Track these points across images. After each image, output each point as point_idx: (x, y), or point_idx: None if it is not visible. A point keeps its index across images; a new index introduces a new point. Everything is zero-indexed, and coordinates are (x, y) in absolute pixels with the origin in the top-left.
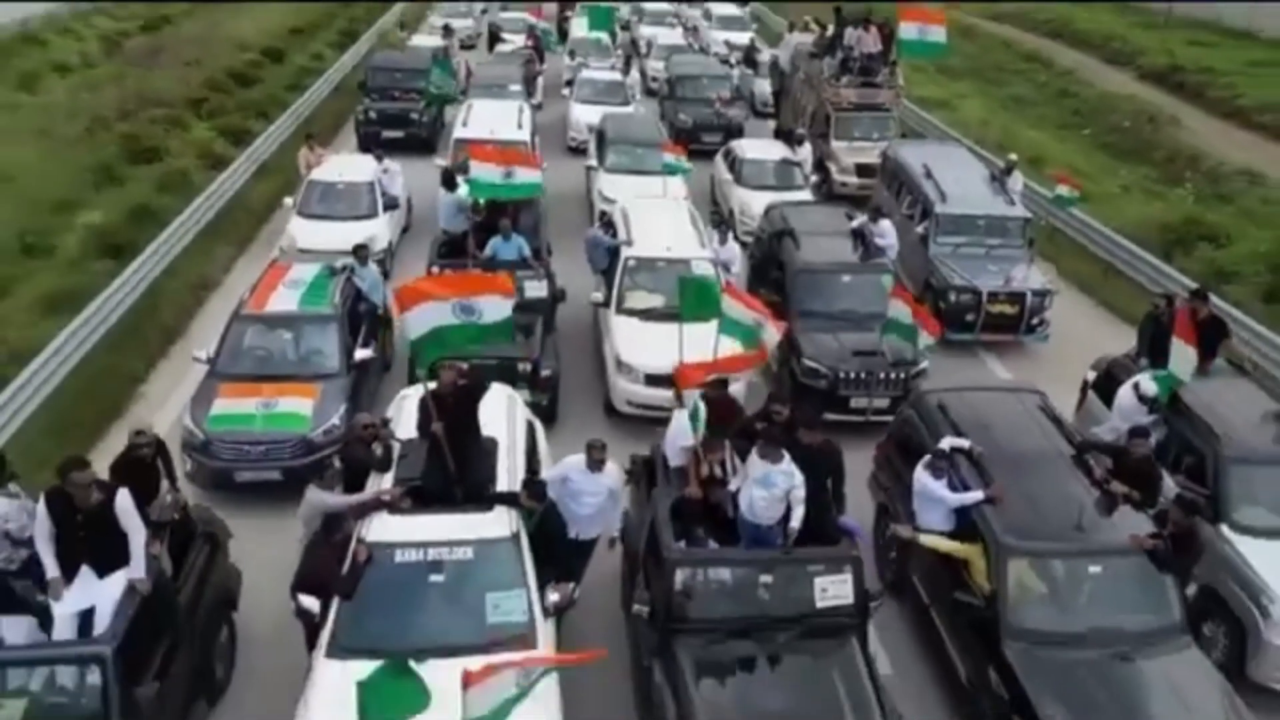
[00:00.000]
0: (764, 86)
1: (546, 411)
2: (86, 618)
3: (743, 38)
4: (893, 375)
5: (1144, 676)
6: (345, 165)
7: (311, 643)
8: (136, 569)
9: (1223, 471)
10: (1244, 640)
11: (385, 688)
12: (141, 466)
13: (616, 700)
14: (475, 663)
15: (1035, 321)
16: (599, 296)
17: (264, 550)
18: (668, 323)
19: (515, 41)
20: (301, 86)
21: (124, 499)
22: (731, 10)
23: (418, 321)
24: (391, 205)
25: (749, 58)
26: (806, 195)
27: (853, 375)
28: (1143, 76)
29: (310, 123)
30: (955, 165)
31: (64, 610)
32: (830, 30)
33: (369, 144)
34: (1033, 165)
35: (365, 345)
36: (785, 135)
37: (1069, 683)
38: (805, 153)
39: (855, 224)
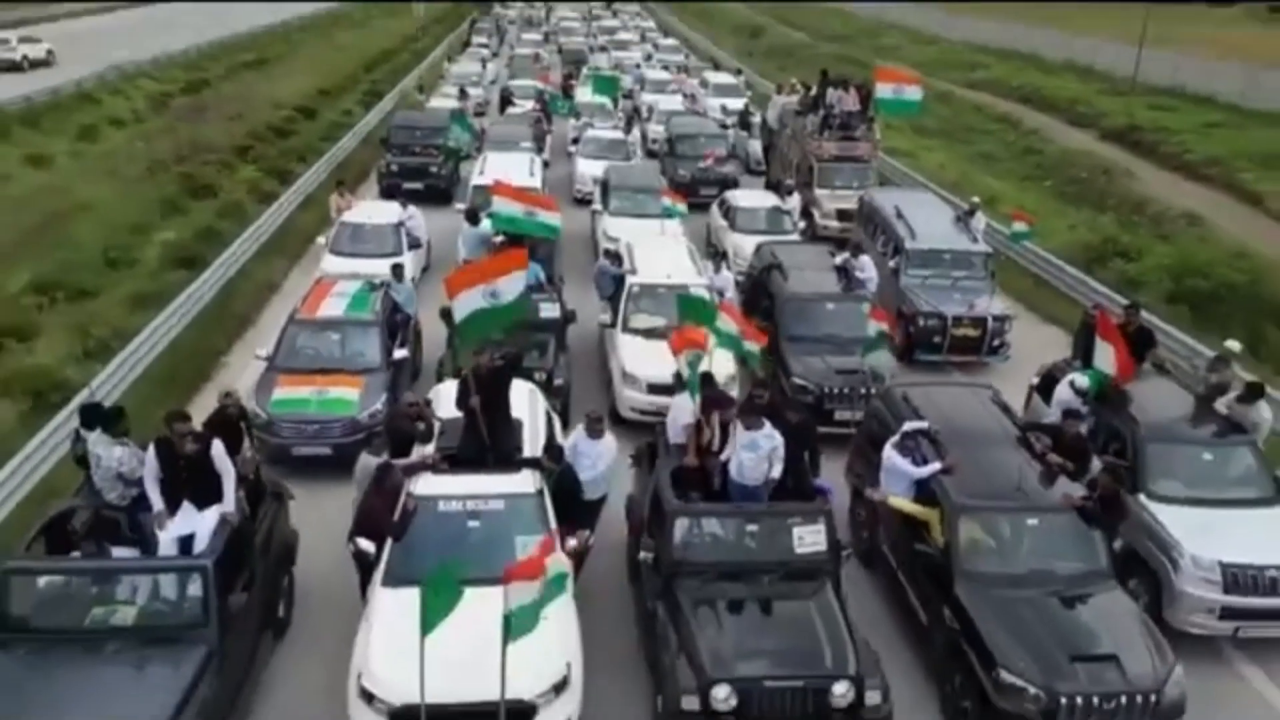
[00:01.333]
0: (756, 147)
1: (560, 416)
2: (185, 544)
3: (737, 103)
4: (873, 390)
5: (1074, 609)
6: (372, 210)
7: (365, 582)
8: (228, 504)
9: (1140, 450)
10: (1160, 591)
11: (437, 584)
12: (229, 423)
13: (623, 641)
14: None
15: (997, 343)
16: (606, 318)
17: (316, 515)
18: (664, 340)
19: (525, 105)
20: (333, 138)
21: (218, 447)
22: (727, 79)
23: (461, 307)
24: (414, 245)
25: (743, 121)
26: (794, 238)
27: (837, 391)
28: (1103, 136)
29: (342, 169)
30: (924, 208)
31: (167, 537)
32: (813, 91)
33: (391, 194)
34: (990, 205)
35: (401, 347)
36: (775, 186)
37: (1010, 615)
38: (794, 201)
39: (839, 260)
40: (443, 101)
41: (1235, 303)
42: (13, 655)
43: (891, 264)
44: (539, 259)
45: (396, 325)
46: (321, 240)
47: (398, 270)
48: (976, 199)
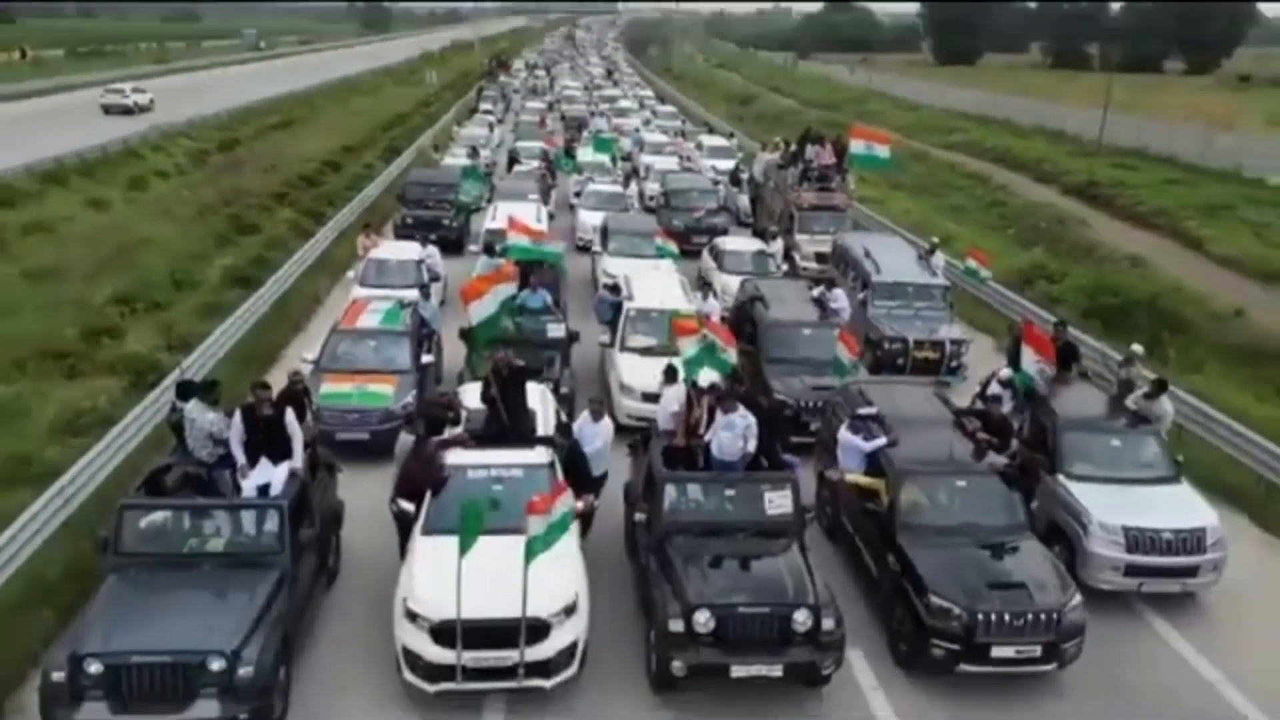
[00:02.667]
0: (745, 201)
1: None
2: (263, 491)
3: (729, 163)
4: None
5: (994, 552)
6: (396, 248)
7: (403, 538)
8: (296, 461)
9: (1059, 438)
10: (1074, 553)
11: (470, 514)
12: (296, 396)
13: (622, 601)
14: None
15: (955, 365)
16: (605, 339)
17: (356, 492)
18: (658, 357)
19: (531, 165)
20: (358, 186)
21: (290, 414)
22: (720, 142)
23: (476, 312)
24: (434, 279)
25: (734, 178)
26: (777, 277)
27: (811, 405)
28: (1065, 191)
29: (368, 212)
30: (889, 249)
31: (249, 485)
32: (793, 146)
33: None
34: (947, 244)
35: (427, 354)
36: (761, 234)
37: (941, 556)
38: (777, 246)
39: (815, 293)
40: (455, 160)
41: (1139, 315)
42: (126, 577)
43: (861, 296)
44: (547, 286)
45: (423, 337)
46: (351, 274)
47: (425, 291)
48: (936, 239)
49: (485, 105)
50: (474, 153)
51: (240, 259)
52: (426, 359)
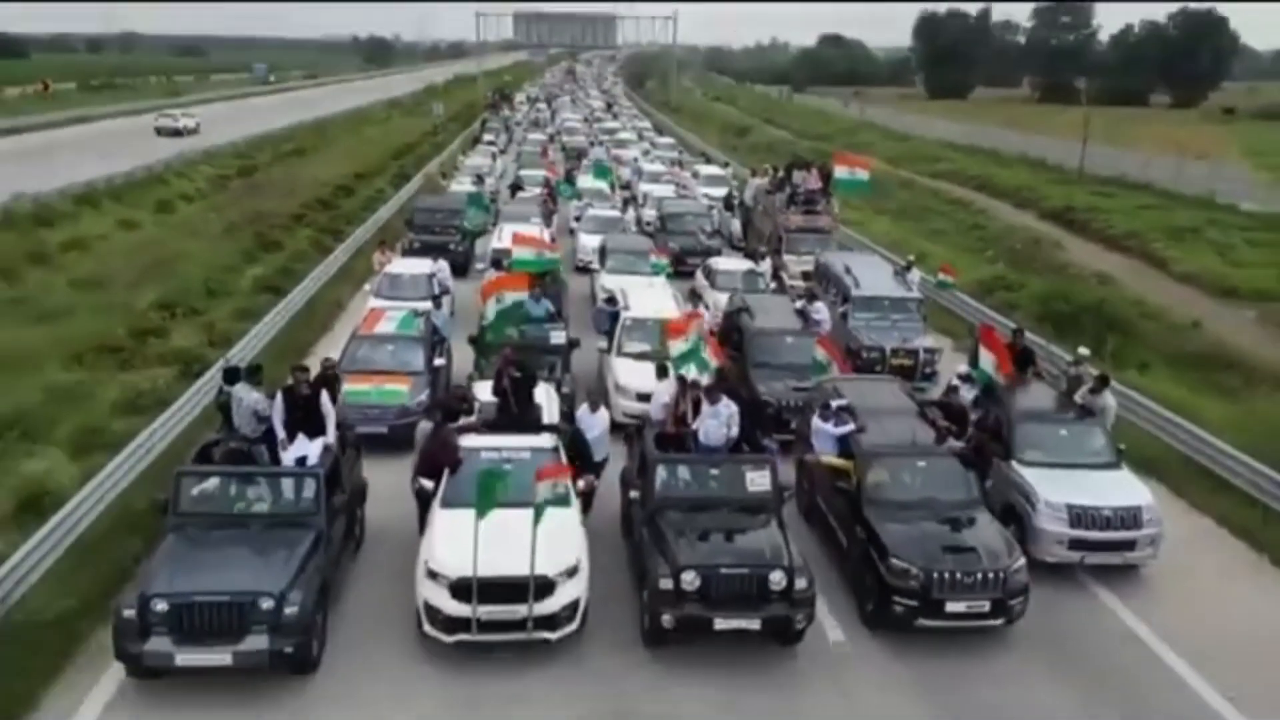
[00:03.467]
0: (737, 225)
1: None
2: (301, 463)
3: (722, 190)
4: None
5: (952, 525)
6: (409, 263)
7: (422, 513)
8: (330, 436)
9: (1013, 428)
10: (1025, 530)
11: (487, 480)
12: (329, 381)
13: (617, 574)
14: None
15: (928, 371)
16: (603, 345)
17: (375, 478)
18: (651, 361)
19: (534, 192)
20: (372, 208)
21: (324, 396)
22: (715, 171)
23: (493, 307)
24: (444, 291)
25: (728, 204)
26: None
27: (793, 404)
28: (1042, 216)
29: (382, 230)
30: (868, 265)
31: (288, 456)
32: (781, 172)
33: None
34: (922, 260)
35: (439, 358)
36: (751, 255)
37: (904, 528)
38: (765, 265)
39: (798, 305)
40: (461, 187)
41: (1086, 320)
42: (183, 534)
43: (842, 310)
44: (549, 296)
45: (435, 343)
46: (368, 287)
47: (437, 301)
48: (912, 256)
49: (488, 136)
50: (479, 180)
51: (268, 270)
52: (439, 362)
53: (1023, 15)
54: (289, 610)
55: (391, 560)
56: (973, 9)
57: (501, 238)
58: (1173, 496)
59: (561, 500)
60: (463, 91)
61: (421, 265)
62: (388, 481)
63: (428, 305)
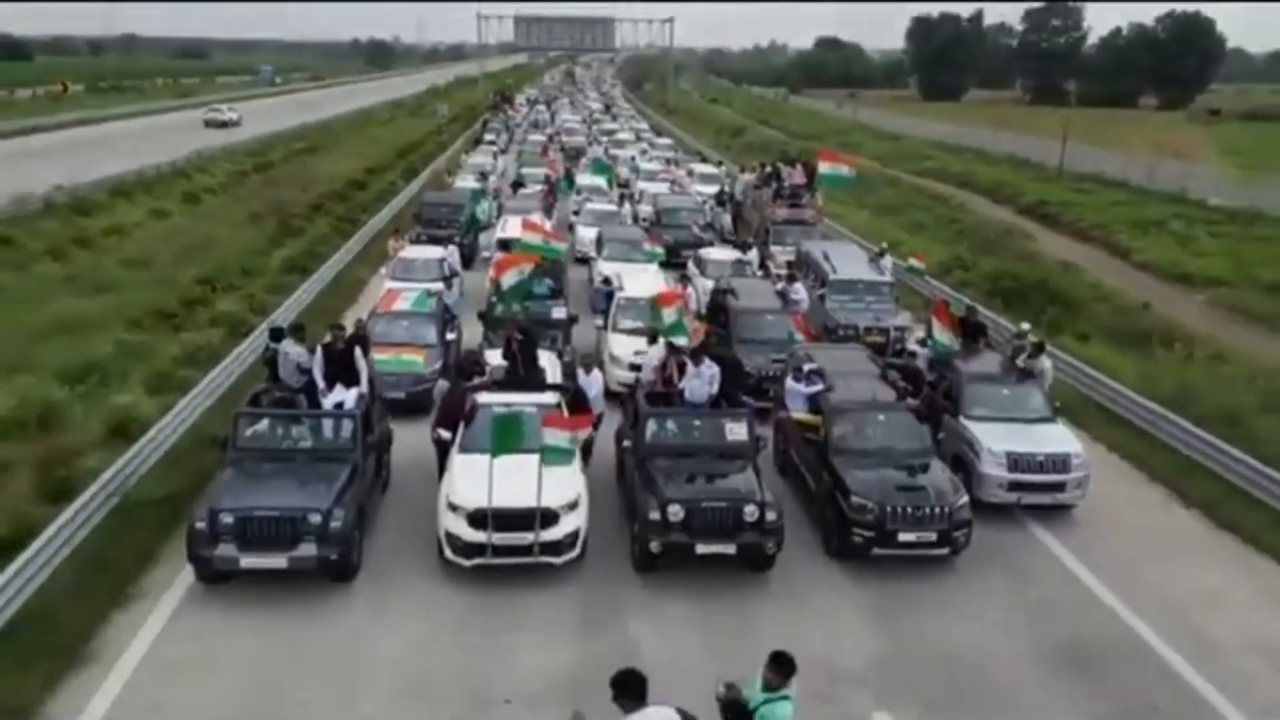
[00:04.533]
0: (728, 220)
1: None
2: (338, 408)
3: (714, 187)
4: None
5: (907, 470)
6: (421, 249)
7: (441, 460)
8: (363, 386)
9: (961, 388)
10: (971, 476)
11: (501, 425)
12: (362, 339)
13: (611, 515)
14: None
15: (899, 348)
16: (600, 322)
17: (396, 438)
18: (642, 336)
19: (535, 188)
20: (385, 199)
21: (357, 351)
22: (709, 169)
23: (506, 280)
24: (454, 274)
25: (719, 199)
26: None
27: (772, 374)
28: (1019, 211)
29: (395, 219)
30: (844, 253)
31: (328, 402)
32: (769, 169)
33: None
34: (894, 248)
35: (451, 333)
36: (741, 246)
37: (864, 473)
38: (753, 254)
39: (779, 287)
40: (464, 184)
41: (1031, 295)
42: (241, 466)
43: (820, 293)
44: (551, 276)
45: (447, 319)
46: (384, 271)
47: (448, 283)
48: (885, 244)
49: (490, 136)
50: (483, 177)
51: (293, 252)
52: (450, 336)
53: (1016, 18)
54: (334, 524)
55: (414, 502)
56: (965, 10)
57: (506, 228)
58: (1108, 451)
59: (565, 449)
60: (464, 93)
61: (432, 251)
62: (408, 440)
63: (439, 286)
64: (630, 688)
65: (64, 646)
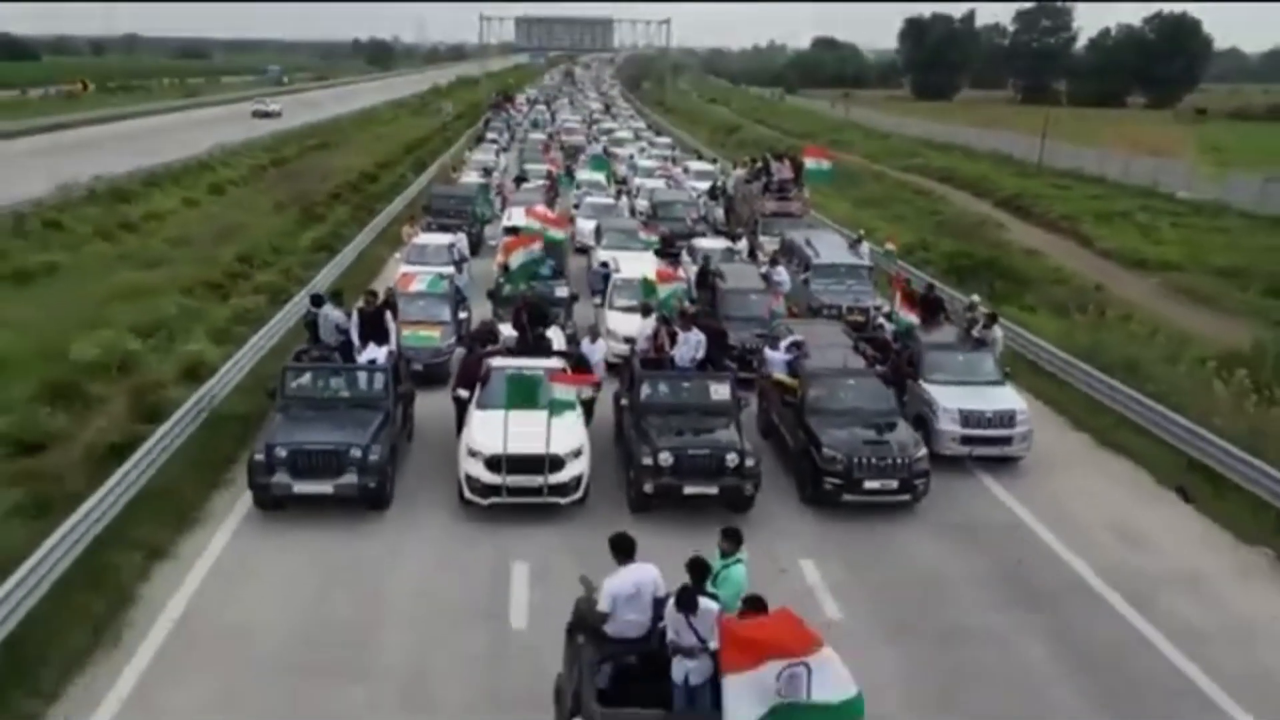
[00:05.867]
0: (720, 213)
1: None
2: (371, 363)
3: (708, 183)
4: None
5: (875, 428)
6: (433, 236)
7: (459, 417)
8: (393, 345)
9: (921, 355)
10: (929, 433)
11: (515, 383)
12: (391, 304)
13: (609, 465)
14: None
15: (876, 325)
16: (598, 300)
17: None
18: (636, 314)
19: (538, 182)
20: (398, 189)
21: (387, 315)
22: (704, 166)
23: (515, 259)
24: (463, 259)
25: (712, 193)
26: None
27: (755, 348)
28: (996, 204)
29: (409, 207)
30: (825, 240)
31: (362, 358)
32: (758, 164)
33: None
34: (870, 234)
35: (462, 311)
36: (731, 237)
37: (836, 430)
38: (743, 244)
39: (763, 270)
40: (472, 178)
41: (982, 272)
42: (289, 412)
43: (803, 276)
44: (554, 258)
45: (458, 300)
46: (398, 255)
47: (460, 265)
48: (862, 231)
49: (491, 135)
50: (487, 173)
51: (319, 234)
52: (461, 315)
53: (1009, 19)
54: (372, 457)
55: (434, 453)
56: (958, 11)
57: (512, 217)
58: (1053, 413)
59: (570, 404)
60: (465, 93)
61: (443, 238)
62: (426, 406)
63: (451, 270)
64: (623, 547)
65: (184, 506)
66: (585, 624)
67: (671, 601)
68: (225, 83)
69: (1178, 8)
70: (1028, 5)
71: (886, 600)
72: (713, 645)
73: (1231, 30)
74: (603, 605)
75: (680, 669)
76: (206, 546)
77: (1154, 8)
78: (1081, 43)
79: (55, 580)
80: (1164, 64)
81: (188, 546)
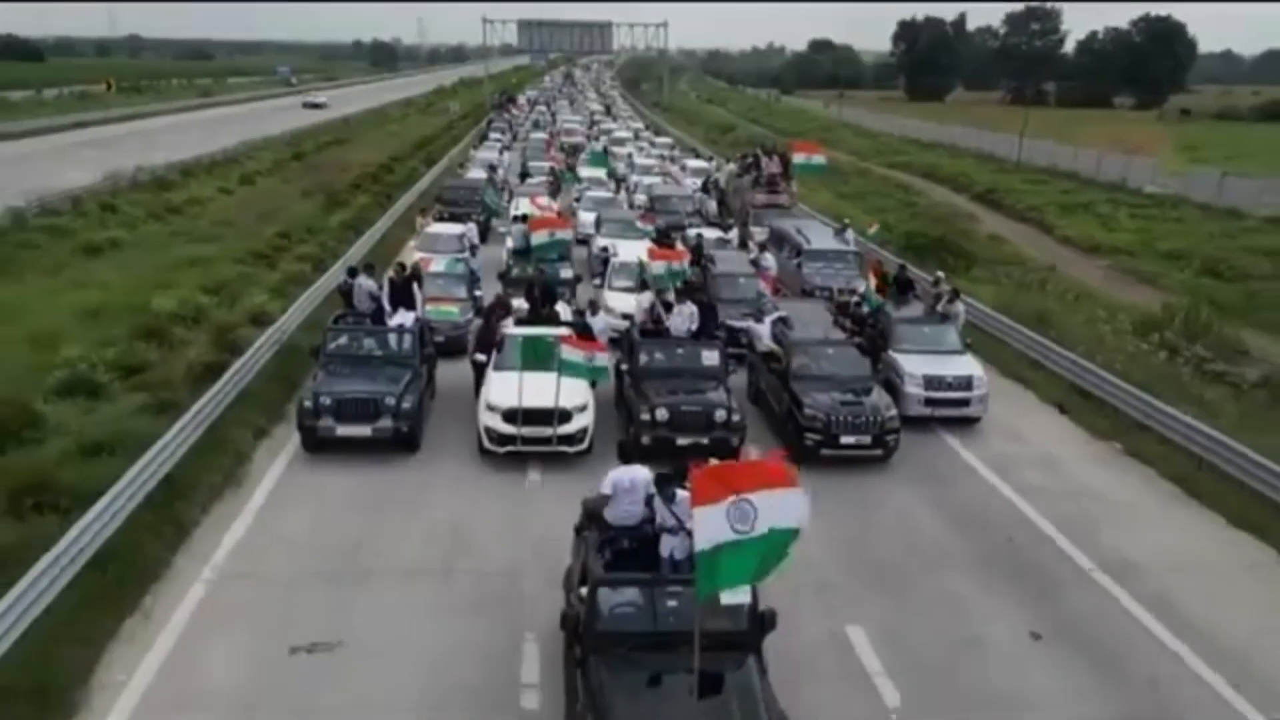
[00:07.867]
0: (714, 206)
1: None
2: (400, 327)
3: (702, 178)
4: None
5: (852, 391)
6: (445, 225)
7: (477, 380)
8: (419, 312)
9: (889, 328)
10: (898, 396)
11: (527, 346)
12: (417, 275)
13: (611, 422)
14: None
15: (856, 303)
16: (598, 282)
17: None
18: (633, 293)
19: (541, 178)
20: (411, 181)
21: (415, 285)
22: (700, 164)
23: (536, 239)
24: (474, 246)
25: (705, 188)
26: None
27: (745, 328)
28: (971, 197)
29: (423, 197)
30: (813, 228)
31: (393, 323)
32: (749, 159)
33: None
34: (854, 221)
35: (478, 289)
36: (723, 228)
37: (815, 390)
38: (734, 235)
39: (752, 256)
40: (478, 174)
41: (937, 250)
42: (330, 366)
43: (794, 262)
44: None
45: (472, 281)
46: (413, 243)
47: (474, 250)
48: (846, 219)
49: (494, 134)
50: (492, 170)
51: (348, 216)
52: (477, 293)
53: (999, 21)
54: (404, 404)
55: (455, 413)
56: (949, 12)
57: (519, 207)
58: (1011, 382)
59: (582, 367)
60: (468, 93)
61: (454, 227)
62: (446, 375)
63: (465, 254)
64: (626, 452)
65: (272, 404)
66: (591, 517)
67: (654, 488)
68: (232, 83)
69: (1163, 9)
70: (1017, 7)
71: (856, 528)
72: (689, 526)
73: (1226, 34)
74: (605, 488)
75: (666, 545)
76: (294, 434)
77: (1141, 8)
78: (1070, 45)
79: (192, 445)
80: (1151, 65)
81: (279, 431)
